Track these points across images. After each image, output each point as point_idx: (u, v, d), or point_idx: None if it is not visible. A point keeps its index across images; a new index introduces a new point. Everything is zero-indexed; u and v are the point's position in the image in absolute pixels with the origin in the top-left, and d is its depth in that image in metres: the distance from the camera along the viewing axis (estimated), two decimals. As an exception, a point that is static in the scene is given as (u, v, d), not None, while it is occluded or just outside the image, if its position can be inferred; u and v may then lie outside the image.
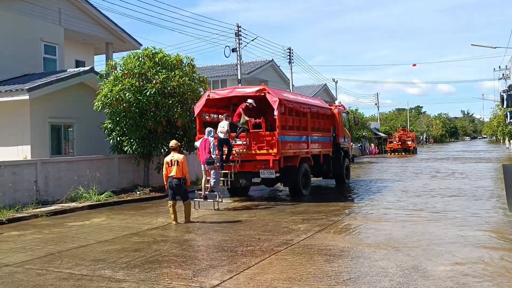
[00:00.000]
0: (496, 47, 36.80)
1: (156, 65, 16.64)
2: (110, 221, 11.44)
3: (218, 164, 13.28)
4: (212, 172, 13.06)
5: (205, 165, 13.08)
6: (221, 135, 13.60)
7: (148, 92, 15.76)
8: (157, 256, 7.59)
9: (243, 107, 14.18)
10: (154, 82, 16.04)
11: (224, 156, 13.69)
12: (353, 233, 9.37)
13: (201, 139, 13.44)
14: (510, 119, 9.31)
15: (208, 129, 13.44)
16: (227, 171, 13.66)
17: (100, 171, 15.97)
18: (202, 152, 13.12)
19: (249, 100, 14.21)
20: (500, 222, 9.85)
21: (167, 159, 10.85)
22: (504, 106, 8.80)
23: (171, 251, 7.94)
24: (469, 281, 5.84)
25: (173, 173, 10.65)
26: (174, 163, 10.66)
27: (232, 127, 14.02)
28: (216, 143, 13.15)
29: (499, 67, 52.83)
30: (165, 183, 10.95)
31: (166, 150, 17.18)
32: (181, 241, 8.86)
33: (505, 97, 8.46)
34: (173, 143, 11.20)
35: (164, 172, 10.86)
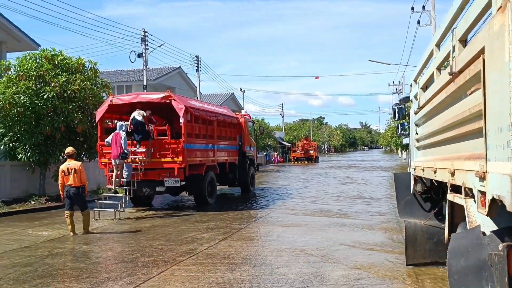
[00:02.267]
0: (390, 64, 39.66)
1: (56, 68, 15.75)
2: (-1, 234, 10.57)
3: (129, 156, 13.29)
4: (124, 165, 12.93)
5: (117, 160, 12.85)
6: (139, 117, 13.45)
7: (46, 96, 14.86)
8: (50, 270, 7.12)
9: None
10: (52, 85, 15.16)
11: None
12: (256, 240, 9.50)
13: (112, 134, 13.15)
14: (401, 130, 9.96)
15: (119, 123, 13.24)
16: (129, 180, 13.23)
17: (-12, 180, 14.70)
18: (114, 146, 12.85)
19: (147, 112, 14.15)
20: (393, 226, 10.55)
21: (63, 167, 10.28)
22: (396, 119, 9.40)
23: (66, 264, 7.50)
24: (363, 284, 6.15)
25: (70, 182, 10.11)
26: (71, 171, 10.13)
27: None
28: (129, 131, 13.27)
29: (393, 82, 56.78)
30: (61, 192, 10.37)
31: (65, 157, 16.27)
32: (78, 253, 8.41)
33: (396, 110, 9.04)
34: (69, 149, 10.69)
35: (59, 181, 10.28)
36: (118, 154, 12.79)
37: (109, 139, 13.23)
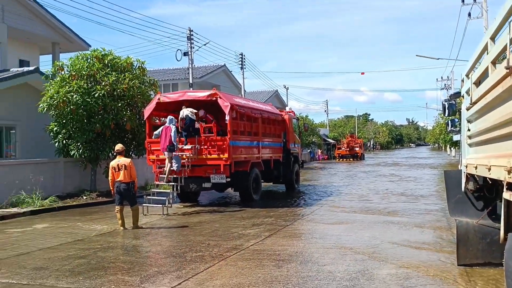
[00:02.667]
0: (439, 59, 38.62)
1: (106, 67, 16.25)
2: (54, 227, 11.03)
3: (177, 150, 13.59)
4: (173, 158, 13.32)
5: (165, 152, 13.26)
6: (193, 117, 13.93)
7: (97, 94, 15.36)
8: (103, 263, 7.38)
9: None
10: (103, 84, 15.65)
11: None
12: (302, 237, 9.49)
13: (161, 127, 13.58)
14: (451, 127, 9.66)
15: (169, 117, 13.61)
16: (176, 176, 13.50)
17: (44, 175, 15.35)
18: (163, 140, 13.25)
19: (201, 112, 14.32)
20: (443, 225, 10.28)
21: (113, 163, 10.61)
22: (446, 115, 9.12)
23: (118, 258, 7.75)
24: (413, 283, 6.03)
25: (120, 178, 10.41)
26: (122, 168, 10.43)
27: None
28: (179, 127, 13.57)
29: (442, 77, 55.21)
30: (111, 188, 10.71)
31: (114, 154, 16.76)
32: (128, 247, 8.67)
33: (446, 106, 8.77)
34: (119, 146, 11.03)
35: (110, 177, 10.61)
36: (166, 147, 13.14)
37: (158, 132, 13.65)
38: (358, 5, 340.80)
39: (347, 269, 6.75)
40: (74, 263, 7.35)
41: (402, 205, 13.90)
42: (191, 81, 29.11)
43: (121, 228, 10.48)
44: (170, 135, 13.14)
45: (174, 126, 13.32)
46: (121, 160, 10.59)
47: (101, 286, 6.11)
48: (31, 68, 18.18)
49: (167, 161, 13.48)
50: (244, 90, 39.28)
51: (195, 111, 14.04)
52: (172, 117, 13.64)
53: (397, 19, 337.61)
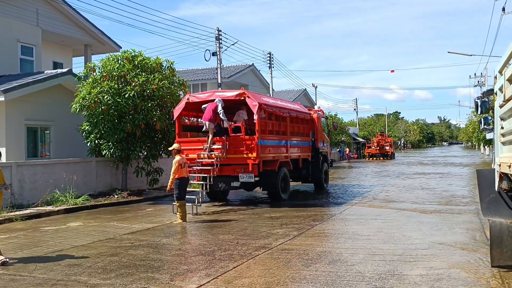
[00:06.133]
0: (471, 55, 37.76)
1: (136, 68, 16.51)
2: (87, 225, 11.27)
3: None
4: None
5: (207, 122, 13.77)
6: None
7: (127, 95, 15.62)
8: (134, 260, 7.51)
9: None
10: (133, 85, 15.91)
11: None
12: (331, 237, 9.44)
13: (208, 103, 14.18)
14: (483, 125, 9.45)
15: (217, 98, 14.15)
16: (206, 175, 13.61)
17: (77, 175, 15.74)
18: (208, 111, 13.87)
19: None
20: (475, 225, 10.05)
21: (180, 160, 11.31)
22: (479, 113, 8.92)
23: (148, 256, 7.87)
24: (444, 285, 5.93)
25: (184, 174, 11.37)
26: (185, 165, 11.36)
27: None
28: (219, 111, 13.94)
29: (475, 74, 54.07)
30: (170, 183, 11.40)
31: (145, 153, 17.05)
32: (158, 246, 8.79)
33: (479, 103, 8.57)
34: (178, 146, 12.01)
35: (174, 172, 11.22)
36: (210, 117, 13.69)
37: (204, 106, 14.22)
38: (391, 1, 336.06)
39: (377, 269, 6.68)
40: (106, 261, 7.50)
41: (434, 204, 13.66)
42: (219, 81, 29.27)
43: (182, 221, 11.25)
44: (217, 111, 13.68)
45: (220, 105, 13.85)
46: (183, 158, 11.45)
47: (132, 283, 6.23)
48: (64, 70, 18.60)
49: (209, 133, 13.96)
50: (272, 90, 39.27)
51: (244, 118, 14.79)
52: (220, 98, 14.07)
53: (428, 16, 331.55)
